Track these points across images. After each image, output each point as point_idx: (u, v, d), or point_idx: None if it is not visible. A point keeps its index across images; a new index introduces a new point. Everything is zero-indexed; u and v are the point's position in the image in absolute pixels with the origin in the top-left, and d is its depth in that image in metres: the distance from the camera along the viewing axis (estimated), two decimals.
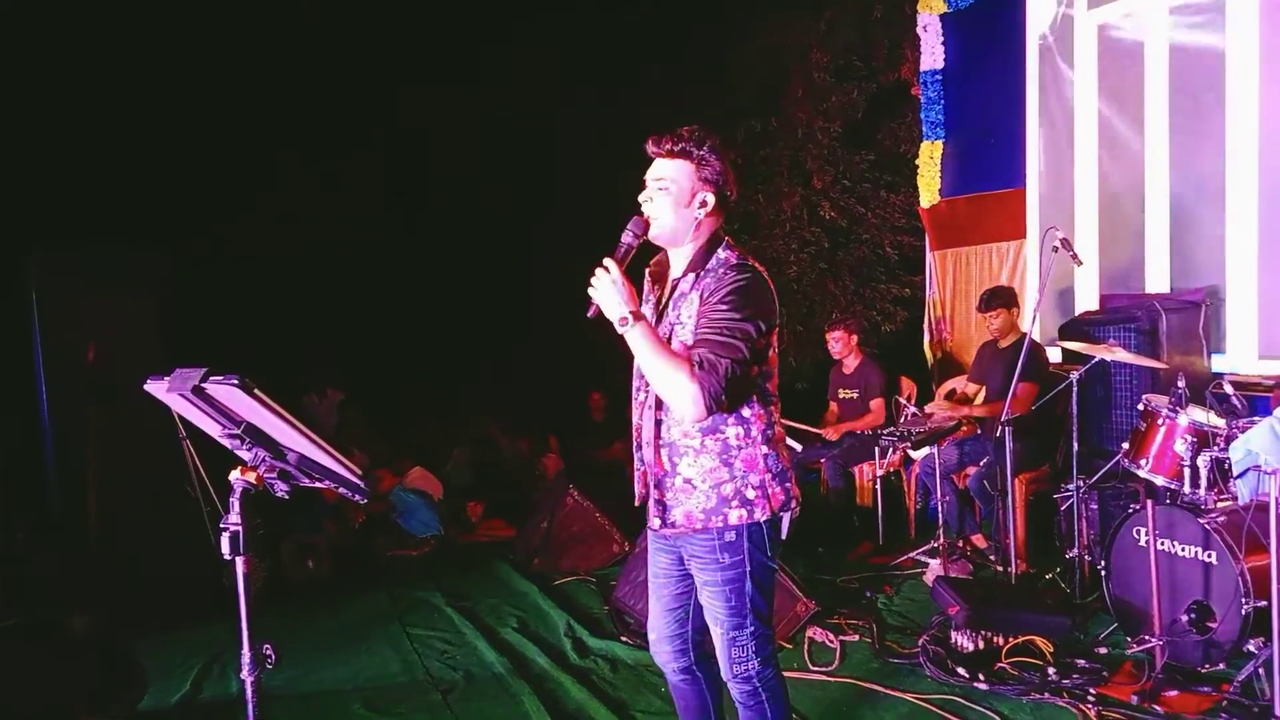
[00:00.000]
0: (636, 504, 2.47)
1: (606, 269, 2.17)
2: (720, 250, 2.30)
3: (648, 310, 2.41)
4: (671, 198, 2.27)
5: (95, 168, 6.71)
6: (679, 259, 2.37)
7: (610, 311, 2.17)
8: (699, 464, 2.29)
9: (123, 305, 4.96)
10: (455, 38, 8.92)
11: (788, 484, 2.35)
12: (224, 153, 7.75)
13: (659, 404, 2.31)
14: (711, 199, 2.29)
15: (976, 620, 3.81)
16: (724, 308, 2.17)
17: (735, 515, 2.28)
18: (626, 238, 2.25)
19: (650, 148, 2.33)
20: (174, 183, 7.43)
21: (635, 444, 2.42)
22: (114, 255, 5.08)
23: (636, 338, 2.16)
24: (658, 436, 2.33)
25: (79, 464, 4.80)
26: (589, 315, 2.23)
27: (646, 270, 2.51)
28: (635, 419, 2.41)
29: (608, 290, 2.16)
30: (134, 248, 5.30)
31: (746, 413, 2.29)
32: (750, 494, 2.29)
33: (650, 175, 2.32)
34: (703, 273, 2.28)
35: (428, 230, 9.37)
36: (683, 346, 2.24)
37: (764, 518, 2.30)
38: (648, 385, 2.31)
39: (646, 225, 2.28)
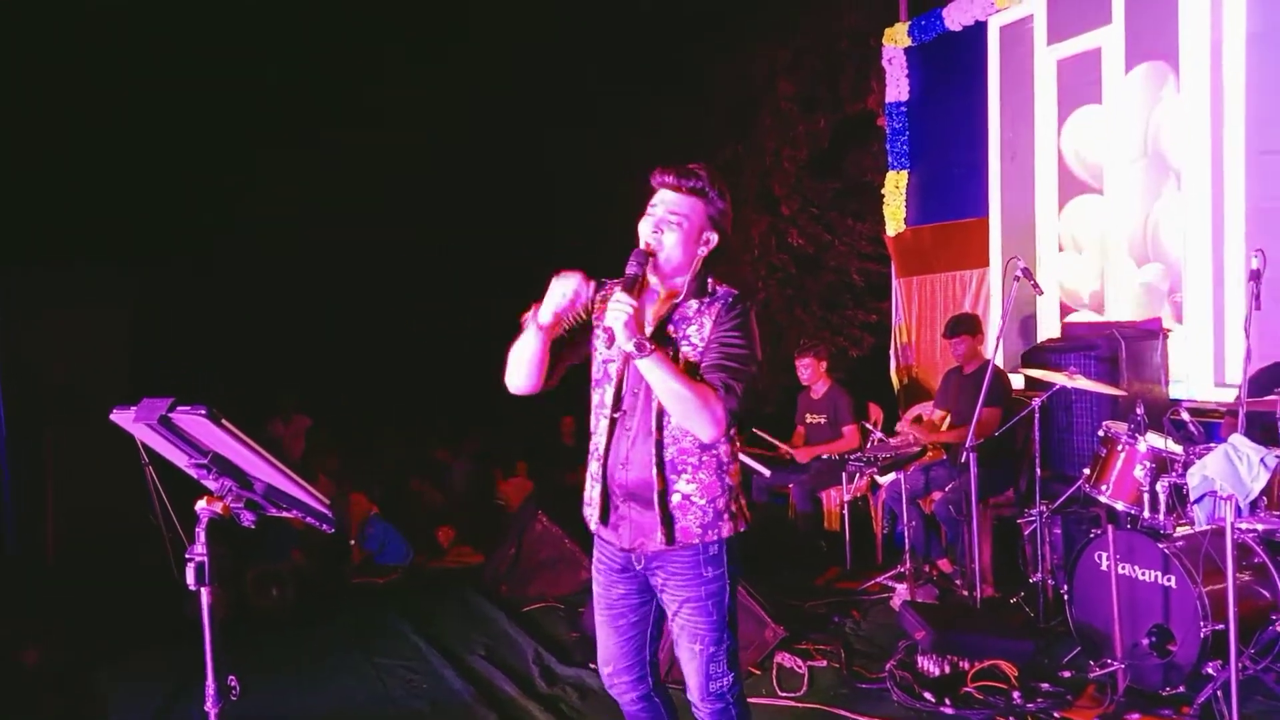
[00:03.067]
0: (592, 528, 2.47)
1: (623, 302, 2.18)
2: (708, 279, 2.38)
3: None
4: (682, 233, 2.31)
5: (60, 183, 6.64)
6: (667, 287, 2.38)
7: (625, 341, 2.18)
8: (698, 480, 2.33)
9: (88, 321, 4.89)
10: (421, 53, 8.94)
11: (745, 499, 2.46)
12: (193, 168, 7.70)
13: (660, 425, 2.32)
14: (715, 239, 2.36)
15: (942, 645, 3.84)
16: (736, 336, 2.29)
17: (727, 528, 2.36)
18: (631, 268, 2.27)
19: (663, 178, 2.36)
20: (141, 200, 7.37)
21: (601, 464, 2.40)
22: (79, 270, 5.02)
23: (653, 365, 2.19)
24: (659, 455, 2.33)
25: (37, 488, 4.71)
26: (608, 347, 2.31)
27: (597, 294, 2.48)
28: (601, 440, 2.41)
29: (621, 319, 2.16)
30: (100, 263, 5.24)
31: (731, 432, 2.36)
32: (734, 508, 2.38)
33: (661, 206, 2.34)
34: (707, 299, 2.35)
35: (398, 255, 9.35)
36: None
37: (743, 529, 2.39)
38: (630, 406, 2.33)
39: (648, 255, 2.30)
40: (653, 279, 2.36)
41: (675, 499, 2.33)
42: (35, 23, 6.44)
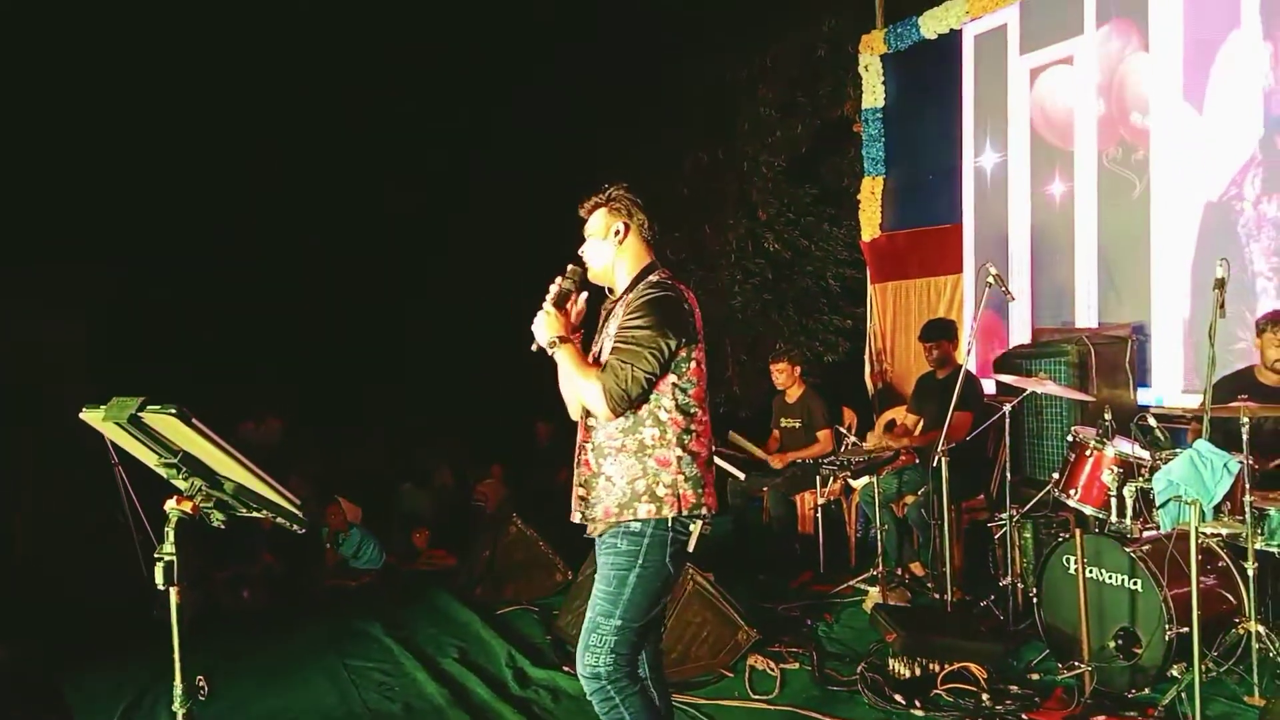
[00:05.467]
0: (572, 518, 2.65)
1: (544, 309, 2.52)
2: (651, 276, 2.59)
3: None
4: (596, 240, 2.64)
5: (21, 181, 6.54)
6: (617, 285, 2.65)
7: (542, 340, 2.51)
8: (619, 462, 2.49)
9: (46, 324, 4.83)
10: (405, 59, 8.91)
11: (701, 491, 2.50)
12: (162, 167, 7.62)
13: (587, 412, 2.54)
14: (622, 225, 2.62)
15: (913, 647, 3.87)
16: (635, 318, 2.45)
17: (645, 509, 2.45)
18: (556, 283, 2.58)
19: (581, 212, 2.68)
20: (107, 199, 7.28)
21: (575, 461, 2.63)
22: (39, 272, 4.95)
23: (562, 357, 2.50)
24: (586, 440, 2.57)
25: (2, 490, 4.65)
26: (533, 350, 2.57)
27: (601, 308, 2.74)
28: (579, 437, 2.64)
29: (539, 324, 2.52)
30: (61, 264, 5.17)
31: (664, 416, 2.48)
32: (660, 491, 2.46)
33: (585, 232, 2.67)
34: (630, 296, 2.55)
35: (372, 257, 9.30)
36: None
37: (671, 514, 2.45)
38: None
39: (584, 271, 2.63)
40: (618, 291, 2.63)
41: (600, 480, 2.51)
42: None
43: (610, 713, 2.49)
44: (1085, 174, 5.76)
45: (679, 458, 2.47)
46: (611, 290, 2.67)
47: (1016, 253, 6.24)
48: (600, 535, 2.54)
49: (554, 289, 2.58)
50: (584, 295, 2.65)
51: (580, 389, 2.46)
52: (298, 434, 7.93)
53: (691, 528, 2.49)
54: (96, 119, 7.18)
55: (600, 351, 2.57)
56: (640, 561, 2.43)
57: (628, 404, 2.41)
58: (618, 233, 2.61)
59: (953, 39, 6.67)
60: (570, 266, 2.62)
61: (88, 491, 4.98)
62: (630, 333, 2.43)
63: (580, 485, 2.57)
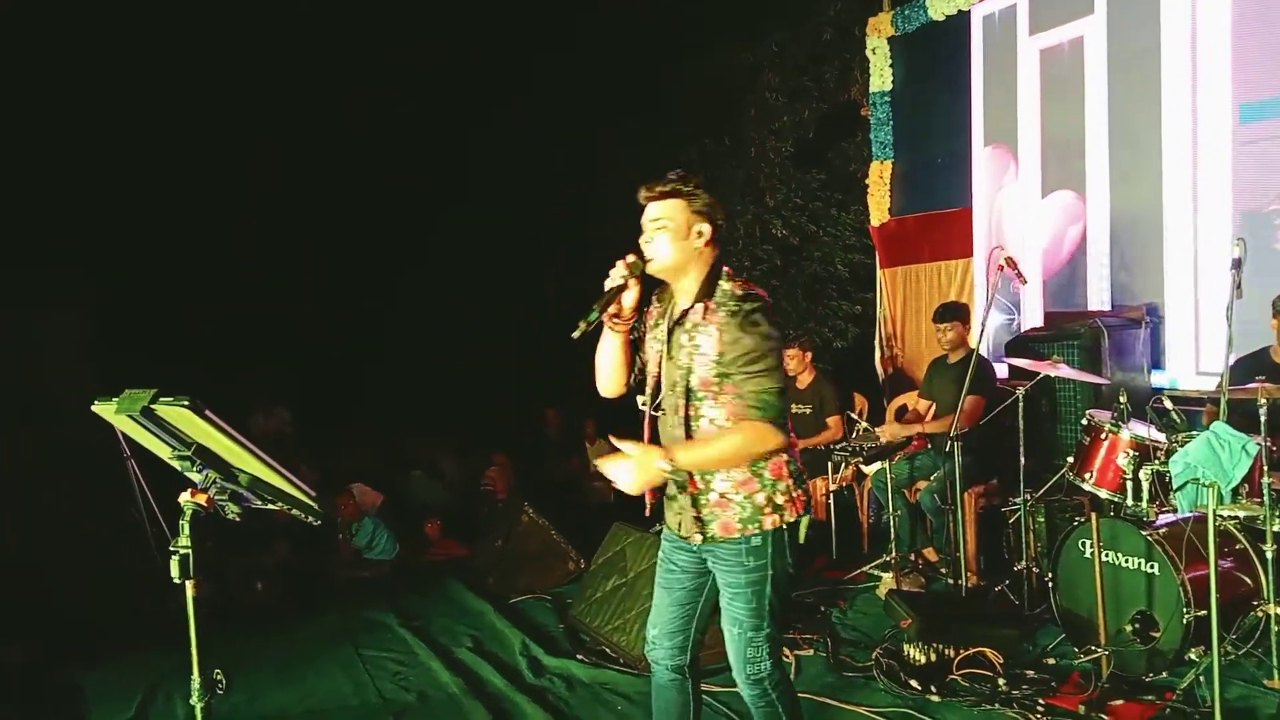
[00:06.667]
0: (647, 514, 2.62)
1: (618, 463, 2.28)
2: (722, 281, 2.46)
3: (660, 332, 2.53)
4: (669, 233, 2.43)
5: (22, 180, 6.54)
6: (683, 289, 2.50)
7: (655, 479, 2.33)
8: (731, 478, 2.42)
9: (43, 321, 4.81)
10: (405, 59, 8.88)
11: (804, 486, 2.50)
12: (163, 167, 7.62)
13: (688, 429, 2.44)
14: (707, 228, 2.45)
15: (928, 633, 3.86)
16: (748, 343, 2.34)
17: (770, 521, 2.42)
18: (615, 278, 2.41)
19: (642, 194, 2.48)
20: (103, 194, 7.28)
21: None
22: (33, 269, 4.93)
23: (689, 462, 2.35)
24: None
25: (9, 488, 4.64)
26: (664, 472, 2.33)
27: (654, 296, 2.64)
28: (644, 437, 2.54)
29: (637, 473, 2.27)
30: (56, 261, 5.16)
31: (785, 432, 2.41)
32: (780, 500, 2.44)
33: (647, 217, 2.47)
34: (712, 305, 2.43)
35: (377, 245, 9.30)
36: (708, 380, 2.40)
37: (791, 520, 2.44)
38: (668, 405, 2.47)
39: (639, 264, 2.43)
40: (675, 285, 2.51)
41: (712, 497, 2.44)
42: None
43: (767, 709, 2.52)
44: (1097, 153, 5.70)
45: (786, 460, 2.46)
46: (662, 283, 2.54)
47: (1029, 235, 6.20)
48: (710, 545, 2.47)
49: (612, 284, 2.41)
50: (634, 292, 2.48)
51: (745, 453, 2.36)
52: (301, 427, 7.95)
53: (801, 521, 2.48)
54: (97, 118, 7.18)
55: (689, 364, 2.42)
56: (771, 572, 2.43)
57: (786, 427, 2.38)
58: (701, 234, 2.44)
59: (961, 20, 6.60)
60: (631, 259, 2.43)
61: (100, 486, 4.98)
62: (758, 355, 2.34)
63: (691, 504, 2.46)
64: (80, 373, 4.78)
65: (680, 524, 2.52)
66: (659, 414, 2.53)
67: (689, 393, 2.43)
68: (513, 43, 9.08)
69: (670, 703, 2.64)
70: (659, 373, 2.52)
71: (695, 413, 2.43)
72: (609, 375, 2.59)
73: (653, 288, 2.59)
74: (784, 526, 2.43)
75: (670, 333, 2.49)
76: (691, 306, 2.46)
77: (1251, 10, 4.86)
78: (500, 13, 8.87)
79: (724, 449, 2.35)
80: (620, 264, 2.42)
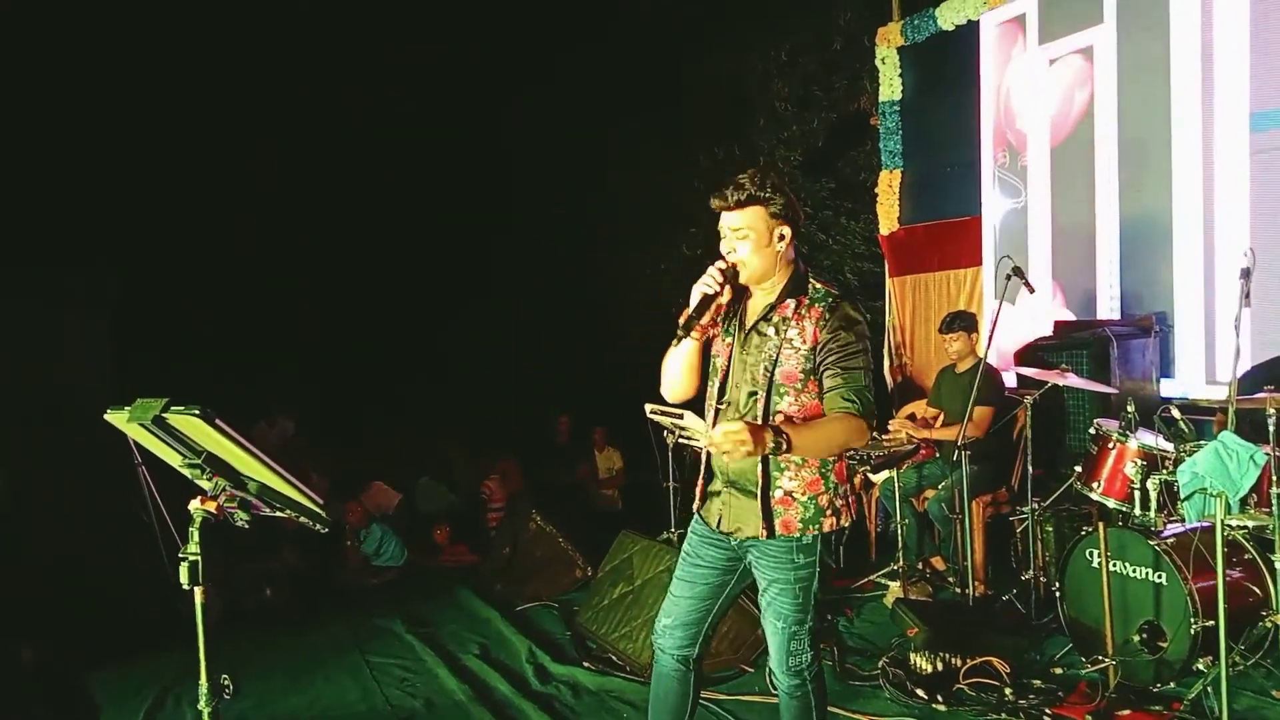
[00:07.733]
0: (695, 508, 2.64)
1: (734, 427, 2.18)
2: (809, 276, 2.49)
3: (732, 327, 2.55)
4: (752, 243, 2.42)
5: (36, 183, 6.60)
6: (763, 286, 2.50)
7: (759, 451, 2.22)
8: (800, 477, 2.45)
9: (69, 326, 4.84)
10: (414, 55, 8.93)
11: (856, 493, 2.50)
12: (163, 167, 7.66)
13: (766, 420, 2.40)
14: (788, 230, 2.46)
15: (935, 642, 3.85)
16: (844, 335, 2.39)
17: (828, 524, 2.46)
18: (707, 285, 2.38)
19: (716, 203, 2.45)
20: (123, 201, 7.34)
21: (706, 452, 2.55)
22: (58, 274, 4.95)
23: (801, 443, 2.28)
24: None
25: (22, 491, 4.66)
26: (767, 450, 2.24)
27: (747, 306, 2.62)
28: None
29: (752, 440, 2.17)
30: (80, 266, 5.18)
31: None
32: (839, 503, 2.49)
33: (727, 227, 2.46)
34: (805, 300, 2.46)
35: (387, 252, 9.34)
36: (792, 374, 2.41)
37: (845, 525, 2.50)
38: (734, 399, 2.48)
39: (733, 271, 2.41)
40: (755, 289, 2.52)
41: (777, 494, 2.46)
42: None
43: (801, 699, 2.55)
44: (1106, 163, 5.70)
45: (848, 464, 2.52)
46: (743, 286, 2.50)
47: (1037, 244, 6.19)
48: (755, 541, 2.47)
49: (709, 291, 2.38)
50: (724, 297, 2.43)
51: (845, 441, 2.38)
52: (307, 435, 7.97)
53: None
54: (100, 120, 7.23)
55: (776, 355, 2.43)
56: (818, 570, 2.47)
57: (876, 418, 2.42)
58: (783, 238, 2.43)
59: (970, 30, 6.62)
60: (725, 265, 2.41)
61: (110, 492, 5.01)
62: (846, 353, 2.38)
63: (760, 501, 2.45)
64: (100, 375, 4.80)
65: (723, 519, 2.52)
66: (722, 407, 2.53)
67: (771, 385, 2.43)
68: (513, 42, 9.11)
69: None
70: (726, 368, 2.52)
71: (773, 406, 2.43)
72: (682, 381, 2.58)
73: (741, 293, 2.55)
74: (835, 531, 2.48)
75: (748, 328, 2.49)
76: (779, 303, 2.46)
77: (1266, 19, 4.85)
78: (500, 13, 8.91)
79: (831, 434, 2.35)
80: (714, 270, 2.40)
